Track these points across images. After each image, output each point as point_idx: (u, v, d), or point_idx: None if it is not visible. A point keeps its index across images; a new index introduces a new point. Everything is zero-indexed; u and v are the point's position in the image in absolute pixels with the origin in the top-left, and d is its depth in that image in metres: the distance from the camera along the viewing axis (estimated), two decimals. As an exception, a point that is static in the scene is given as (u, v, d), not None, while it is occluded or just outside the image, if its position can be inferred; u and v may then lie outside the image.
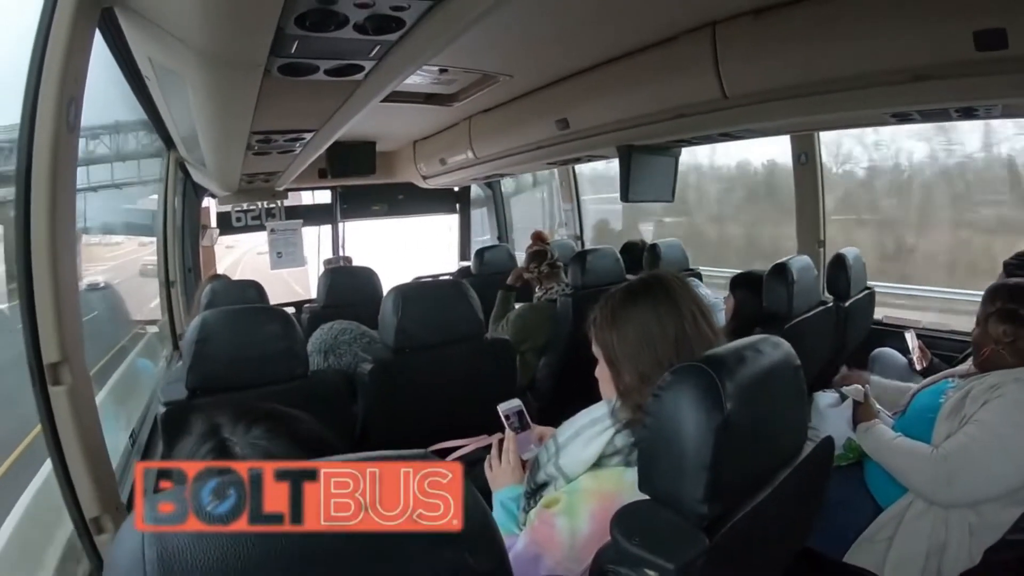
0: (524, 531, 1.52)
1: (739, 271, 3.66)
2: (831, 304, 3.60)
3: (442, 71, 3.48)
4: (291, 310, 2.75)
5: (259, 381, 2.34)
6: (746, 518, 1.21)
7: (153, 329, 5.92)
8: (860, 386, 2.70)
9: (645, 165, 3.68)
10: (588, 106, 3.48)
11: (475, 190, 7.50)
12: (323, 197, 6.93)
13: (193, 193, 5.80)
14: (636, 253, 5.18)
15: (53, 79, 1.59)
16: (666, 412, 1.21)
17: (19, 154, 1.60)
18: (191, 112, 2.46)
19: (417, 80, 3.58)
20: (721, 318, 3.50)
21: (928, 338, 3.73)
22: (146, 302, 5.85)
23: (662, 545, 1.14)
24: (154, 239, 5.33)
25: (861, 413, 2.61)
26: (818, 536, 2.40)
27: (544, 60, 3.30)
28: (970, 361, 2.62)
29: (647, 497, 1.25)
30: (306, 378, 2.48)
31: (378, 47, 1.77)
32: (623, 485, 1.41)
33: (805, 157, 4.10)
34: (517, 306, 4.30)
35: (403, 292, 2.73)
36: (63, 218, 1.64)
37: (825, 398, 2.74)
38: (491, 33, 2.70)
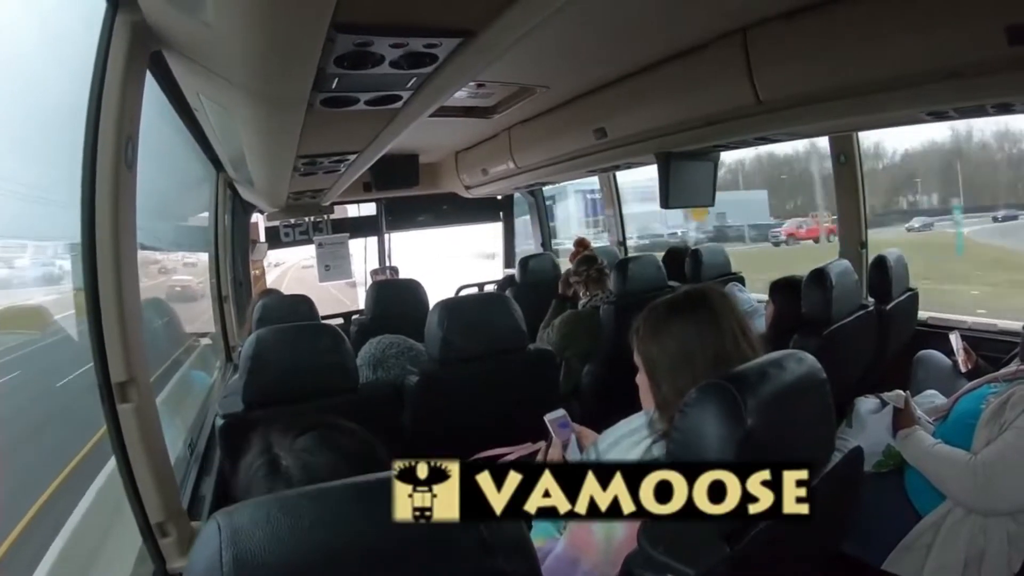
0: (564, 535, 1.56)
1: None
2: (872, 307, 3.54)
3: (480, 86, 3.55)
4: (339, 321, 2.83)
5: (312, 394, 2.42)
6: (768, 529, 1.25)
7: (206, 341, 6.06)
8: (901, 392, 2.66)
9: (684, 171, 3.67)
10: (625, 115, 3.51)
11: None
12: (368, 209, 7.02)
13: (242, 210, 5.93)
14: (679, 258, 5.12)
15: (111, 121, 1.69)
16: (691, 426, 1.27)
17: (83, 190, 1.71)
18: (239, 139, 2.57)
19: (456, 95, 3.63)
20: (761, 324, 3.49)
21: (974, 339, 3.62)
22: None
23: (685, 553, 1.19)
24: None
25: (901, 420, 2.57)
26: (857, 543, 2.42)
27: (580, 71, 3.35)
28: (1016, 362, 2.60)
29: None
30: (356, 391, 2.56)
31: (414, 79, 1.84)
32: None
33: (844, 157, 4.02)
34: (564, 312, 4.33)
35: (448, 306, 2.78)
36: (126, 248, 1.76)
37: (866, 404, 2.69)
38: (527, 47, 2.71)
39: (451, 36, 1.54)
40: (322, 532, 0.72)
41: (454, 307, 2.81)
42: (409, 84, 1.89)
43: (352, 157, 3.21)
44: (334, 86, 1.79)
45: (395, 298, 4.62)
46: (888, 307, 3.61)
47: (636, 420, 1.60)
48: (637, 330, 1.67)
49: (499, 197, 7.29)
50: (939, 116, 2.69)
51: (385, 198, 6.78)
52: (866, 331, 3.45)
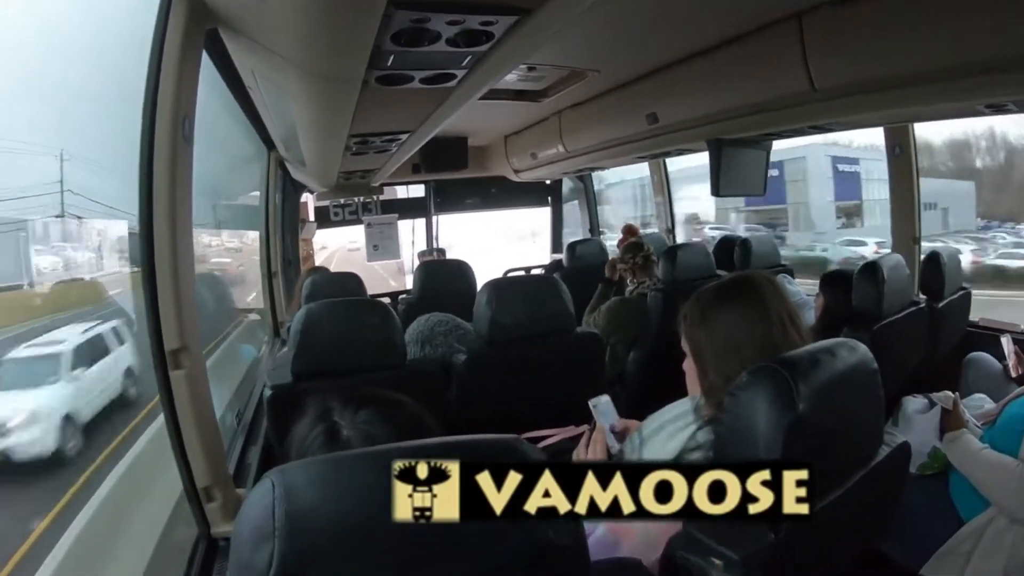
0: (603, 520, 1.57)
1: None
2: (923, 304, 3.46)
3: (531, 69, 3.54)
4: (386, 301, 2.86)
5: (360, 368, 2.44)
6: (816, 515, 1.25)
7: (254, 317, 6.17)
8: (950, 393, 2.59)
9: (735, 159, 3.62)
10: (676, 100, 3.47)
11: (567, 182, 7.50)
12: (417, 191, 7.06)
13: (292, 189, 6.01)
14: (729, 248, 5.07)
15: (168, 98, 1.73)
16: (741, 410, 1.27)
17: (140, 166, 1.75)
18: (292, 117, 2.60)
19: (507, 78, 3.63)
20: (811, 317, 3.44)
21: None
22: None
23: (729, 536, 1.19)
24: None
25: (949, 422, 2.51)
26: (896, 544, 2.38)
27: (631, 55, 3.32)
28: None
29: None
30: (403, 366, 2.58)
31: (469, 57, 1.85)
32: None
33: (899, 149, 3.91)
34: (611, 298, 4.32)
35: (497, 286, 2.80)
36: (182, 221, 1.80)
37: (914, 403, 2.65)
38: (578, 30, 2.73)
39: (508, 13, 1.54)
40: (373, 494, 0.74)
41: (504, 287, 2.83)
42: (464, 62, 1.89)
43: (404, 137, 3.23)
44: (389, 63, 1.81)
45: (443, 278, 4.67)
46: (940, 305, 3.52)
47: (681, 406, 1.61)
48: (685, 316, 1.67)
49: (548, 181, 7.27)
50: (998, 109, 2.60)
51: (434, 180, 6.82)
52: (916, 329, 3.37)
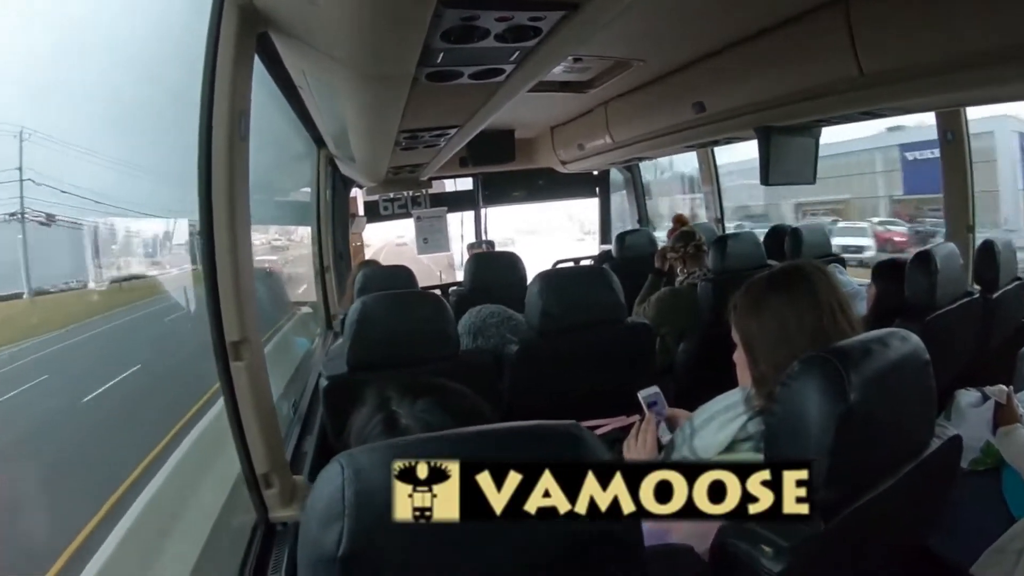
0: None
1: None
2: (977, 295, 3.37)
3: (576, 60, 3.55)
4: (437, 293, 2.90)
5: (414, 359, 2.50)
6: (864, 507, 1.25)
7: (306, 310, 6.28)
8: (1004, 387, 2.55)
9: (784, 147, 3.57)
10: (723, 88, 3.44)
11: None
12: (465, 184, 7.10)
13: (342, 185, 6.10)
14: (780, 238, 5.03)
15: (224, 98, 1.79)
16: (793, 399, 1.27)
17: (199, 162, 1.82)
18: (342, 115, 2.65)
19: (553, 69, 3.63)
20: (863, 308, 3.40)
21: None
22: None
23: (779, 524, 1.18)
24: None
25: (1003, 416, 2.47)
26: (946, 542, 2.33)
27: (677, 44, 3.30)
28: None
29: None
30: (456, 357, 2.62)
31: (517, 52, 1.87)
32: None
33: (951, 135, 3.81)
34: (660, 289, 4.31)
35: (549, 277, 2.83)
36: (241, 217, 1.87)
37: (967, 396, 2.61)
38: (623, 20, 2.70)
39: (555, 8, 1.56)
40: None
41: (555, 278, 2.85)
42: (512, 57, 1.91)
43: (453, 131, 3.26)
44: (439, 61, 1.83)
45: (493, 270, 4.72)
46: (994, 296, 3.43)
47: (732, 396, 1.61)
48: (735, 306, 1.68)
49: (595, 172, 7.25)
50: (1055, 92, 2.53)
51: (482, 173, 6.85)
52: (970, 320, 3.30)
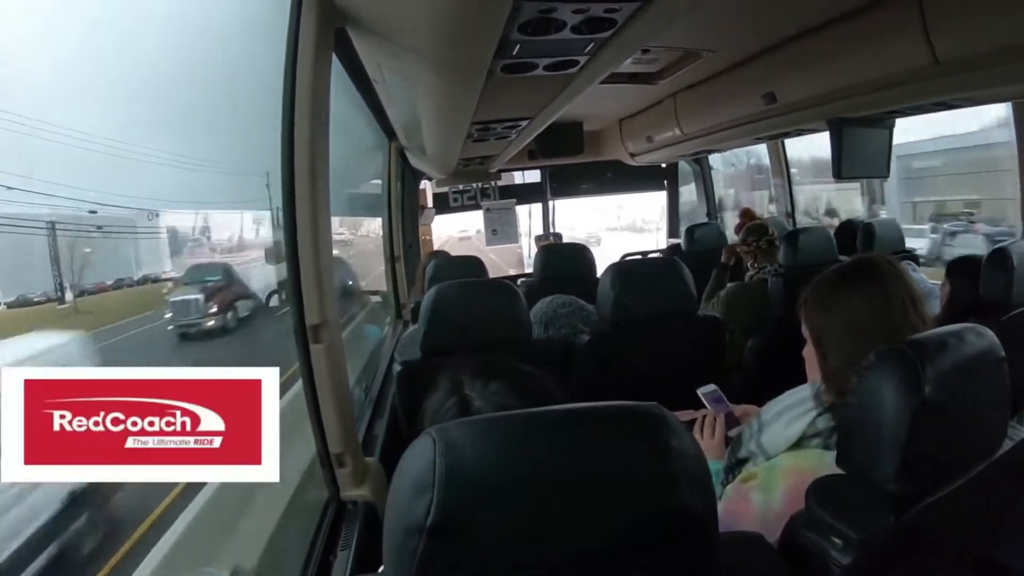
0: (721, 503, 1.57)
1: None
2: None
3: (644, 51, 3.51)
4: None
5: (486, 346, 2.54)
6: (934, 505, 1.24)
7: (377, 299, 6.39)
8: None
9: (857, 139, 3.49)
10: (794, 78, 3.37)
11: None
12: (533, 176, 7.13)
13: (411, 177, 6.19)
14: (851, 232, 4.89)
15: (305, 93, 1.86)
16: (867, 391, 1.26)
17: (282, 156, 1.90)
18: (416, 108, 2.71)
19: (625, 61, 3.62)
20: (936, 307, 3.32)
21: None
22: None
23: (850, 516, 1.20)
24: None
25: None
26: (1015, 551, 2.25)
27: (746, 33, 3.25)
28: None
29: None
30: (528, 345, 2.66)
31: (592, 44, 1.89)
32: (820, 467, 1.42)
33: None
34: (729, 284, 4.28)
35: (621, 268, 2.85)
36: (321, 206, 1.93)
37: None
38: (693, 10, 2.70)
39: (631, 0, 1.58)
40: (520, 453, 0.79)
41: (627, 270, 2.87)
42: (587, 49, 1.94)
43: (524, 123, 3.30)
44: (515, 52, 1.87)
45: (563, 261, 4.75)
46: None
47: (802, 391, 1.60)
48: (805, 301, 1.66)
49: (664, 165, 7.20)
50: None
51: (550, 165, 6.87)
52: (1049, 319, 3.18)
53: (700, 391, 2.02)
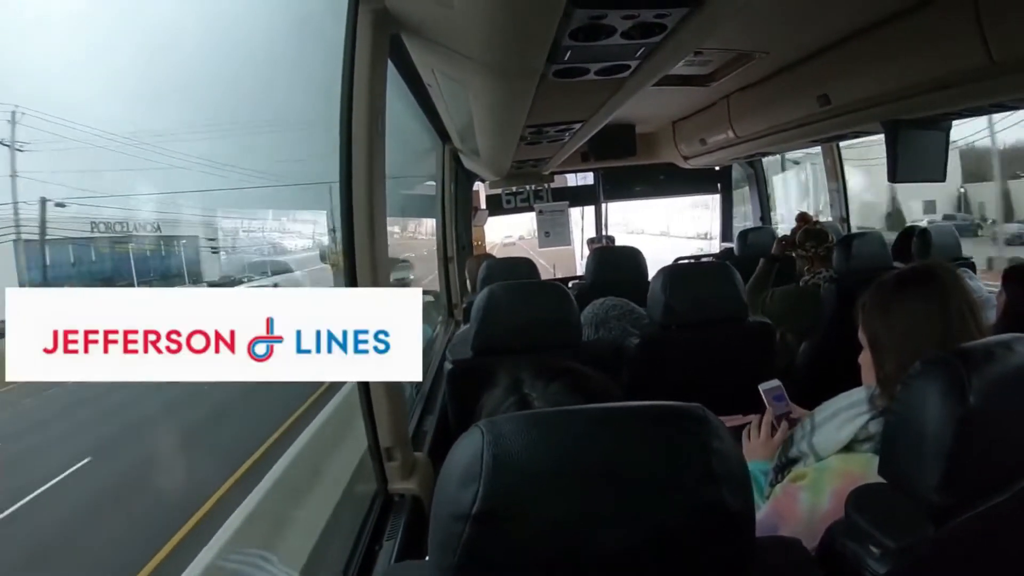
0: (768, 502, 1.59)
1: None
2: None
3: (697, 53, 3.48)
4: None
5: (537, 346, 2.58)
6: (976, 518, 1.22)
7: (428, 299, 6.47)
8: None
9: (913, 141, 3.42)
10: (848, 80, 3.31)
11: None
12: (585, 179, 7.13)
13: (465, 179, 6.24)
14: (907, 239, 4.76)
15: (362, 99, 1.93)
16: (912, 400, 1.25)
17: (341, 159, 1.97)
18: (470, 111, 2.76)
19: (676, 64, 3.61)
20: (992, 316, 3.24)
21: None
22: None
23: (889, 525, 1.19)
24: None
25: None
26: None
27: (800, 35, 3.21)
28: None
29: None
30: (578, 346, 2.69)
31: (643, 49, 1.90)
32: (869, 471, 1.41)
33: None
34: (784, 287, 4.24)
35: (672, 272, 2.85)
36: (378, 206, 2.01)
37: None
38: (745, 12, 2.68)
39: (680, 5, 1.59)
40: (566, 448, 0.82)
41: (678, 274, 2.88)
42: (638, 54, 1.95)
43: (577, 126, 3.32)
44: (567, 58, 1.89)
45: (614, 264, 4.74)
46: None
47: (856, 394, 1.59)
48: (863, 305, 1.65)
49: (717, 168, 7.12)
50: None
51: (603, 168, 6.85)
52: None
53: (762, 387, 1.99)
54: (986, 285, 3.96)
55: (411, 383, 3.71)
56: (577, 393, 1.12)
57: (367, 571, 1.98)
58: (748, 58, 3.55)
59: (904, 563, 1.17)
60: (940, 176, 3.61)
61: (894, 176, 3.45)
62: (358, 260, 1.96)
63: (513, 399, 1.13)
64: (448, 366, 2.64)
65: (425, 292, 5.92)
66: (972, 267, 4.49)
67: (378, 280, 1.98)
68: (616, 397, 1.13)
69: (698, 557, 0.83)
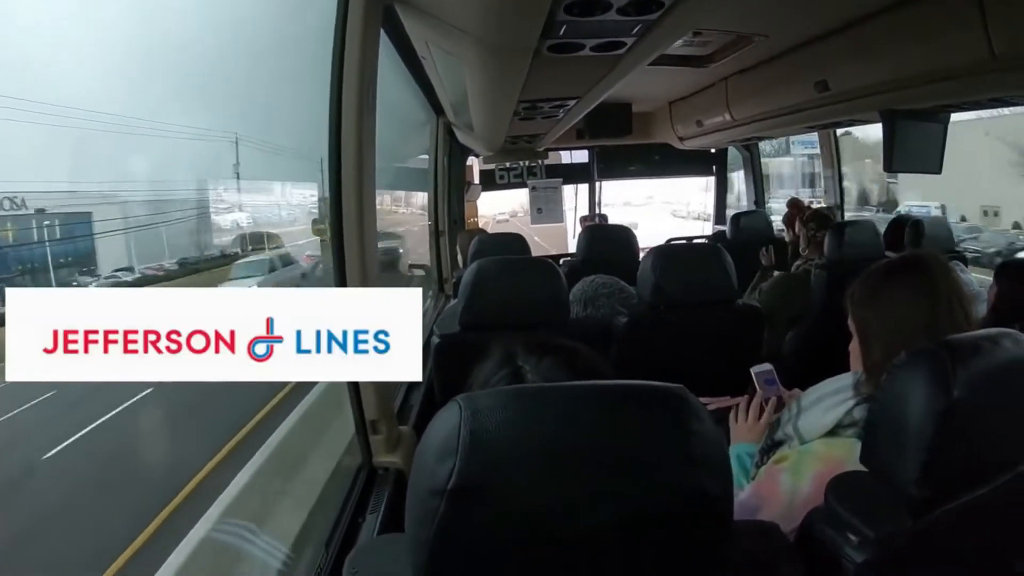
0: (750, 485, 1.60)
1: None
2: None
3: (696, 34, 3.49)
4: None
5: (525, 323, 2.55)
6: (957, 510, 1.21)
7: (419, 272, 6.46)
8: None
9: (910, 132, 3.42)
10: (847, 67, 3.30)
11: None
12: (580, 156, 7.12)
13: (459, 153, 6.22)
14: (900, 228, 4.79)
15: (353, 71, 1.90)
16: (896, 389, 1.23)
17: (330, 132, 1.94)
18: (464, 85, 2.73)
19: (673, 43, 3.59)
20: (983, 310, 3.24)
21: None
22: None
23: (868, 515, 1.19)
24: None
25: None
26: None
27: (800, 19, 3.20)
28: None
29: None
30: (566, 324, 2.67)
31: (639, 25, 1.88)
32: (851, 456, 1.41)
33: None
34: (776, 273, 4.25)
35: (663, 252, 2.84)
36: (367, 182, 1.98)
37: None
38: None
39: (677, -19, 1.58)
40: (548, 425, 0.81)
41: (669, 254, 2.87)
42: (634, 31, 1.93)
43: (572, 103, 3.30)
44: (562, 33, 1.88)
45: (606, 242, 4.71)
46: None
47: (843, 380, 1.59)
48: (852, 294, 1.66)
49: (713, 150, 7.12)
50: None
51: (598, 146, 6.84)
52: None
53: (754, 369, 1.99)
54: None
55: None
56: (568, 369, 1.12)
57: (350, 543, 1.98)
58: (747, 41, 3.53)
59: (882, 553, 1.17)
60: (936, 168, 3.60)
61: (890, 166, 3.45)
62: (345, 232, 1.94)
63: (507, 371, 1.13)
64: (435, 340, 2.64)
65: (415, 266, 5.94)
66: (964, 259, 4.49)
67: (365, 253, 1.97)
68: (607, 376, 1.13)
69: (674, 539, 0.83)
